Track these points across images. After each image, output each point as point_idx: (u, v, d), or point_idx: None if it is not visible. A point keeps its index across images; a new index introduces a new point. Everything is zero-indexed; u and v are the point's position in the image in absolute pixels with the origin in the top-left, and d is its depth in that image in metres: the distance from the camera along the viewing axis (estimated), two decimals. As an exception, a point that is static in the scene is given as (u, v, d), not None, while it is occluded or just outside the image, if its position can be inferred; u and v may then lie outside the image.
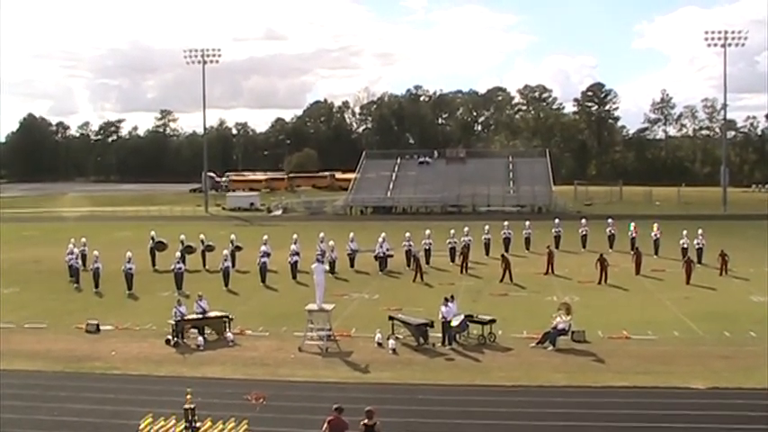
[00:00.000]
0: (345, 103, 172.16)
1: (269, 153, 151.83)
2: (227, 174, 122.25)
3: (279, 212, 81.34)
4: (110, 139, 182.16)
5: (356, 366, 22.78)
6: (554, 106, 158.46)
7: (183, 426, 15.04)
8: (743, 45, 79.22)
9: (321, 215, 77.92)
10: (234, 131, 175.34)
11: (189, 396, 14.98)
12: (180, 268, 36.02)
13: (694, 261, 37.34)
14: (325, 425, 14.48)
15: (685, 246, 40.72)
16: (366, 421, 14.33)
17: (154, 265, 41.62)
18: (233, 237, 43.36)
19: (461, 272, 38.78)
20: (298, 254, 38.72)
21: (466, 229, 43.05)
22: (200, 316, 26.41)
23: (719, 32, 78.83)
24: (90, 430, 17.77)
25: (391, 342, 24.54)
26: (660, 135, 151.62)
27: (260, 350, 24.67)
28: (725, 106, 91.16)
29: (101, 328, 27.48)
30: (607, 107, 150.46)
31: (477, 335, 25.29)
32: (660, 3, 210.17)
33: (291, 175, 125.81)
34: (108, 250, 40.82)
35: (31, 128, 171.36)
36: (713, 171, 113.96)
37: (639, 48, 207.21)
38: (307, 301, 26.19)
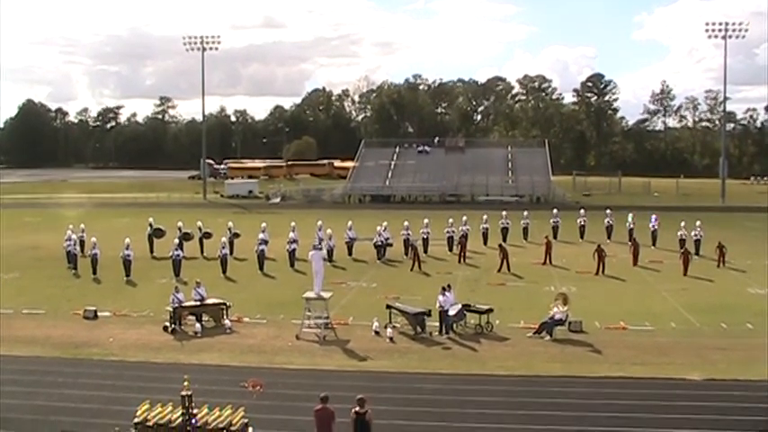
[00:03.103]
0: (345, 92, 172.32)
1: (268, 141, 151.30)
2: (226, 161, 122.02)
3: (277, 200, 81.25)
4: (108, 126, 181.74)
5: (353, 354, 22.83)
6: (553, 96, 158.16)
7: (179, 412, 15.05)
8: (743, 37, 78.98)
9: (319, 203, 77.79)
10: (233, 119, 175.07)
11: (186, 383, 14.98)
12: (178, 255, 36.00)
13: (692, 252, 37.41)
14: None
15: (683, 237, 40.76)
16: (357, 409, 14.37)
17: (152, 251, 41.61)
18: (231, 224, 43.29)
19: (459, 261, 38.81)
20: (296, 242, 38.73)
21: (464, 218, 43.02)
22: (198, 303, 26.45)
23: (720, 24, 78.62)
24: (87, 416, 17.81)
25: (389, 331, 24.59)
26: (659, 126, 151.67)
27: (257, 338, 24.71)
28: (725, 98, 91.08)
29: (99, 314, 27.53)
30: (606, 98, 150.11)
31: (475, 324, 25.33)
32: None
33: (290, 162, 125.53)
34: (106, 237, 40.81)
35: (30, 114, 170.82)
36: (712, 163, 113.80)
37: (639, 39, 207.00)
38: (304, 289, 26.19)
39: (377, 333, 24.76)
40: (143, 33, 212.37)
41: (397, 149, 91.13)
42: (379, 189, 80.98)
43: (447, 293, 25.37)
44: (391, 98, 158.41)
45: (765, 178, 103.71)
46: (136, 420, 15.17)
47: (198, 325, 25.48)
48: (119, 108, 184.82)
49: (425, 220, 42.30)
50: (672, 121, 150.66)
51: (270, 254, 38.55)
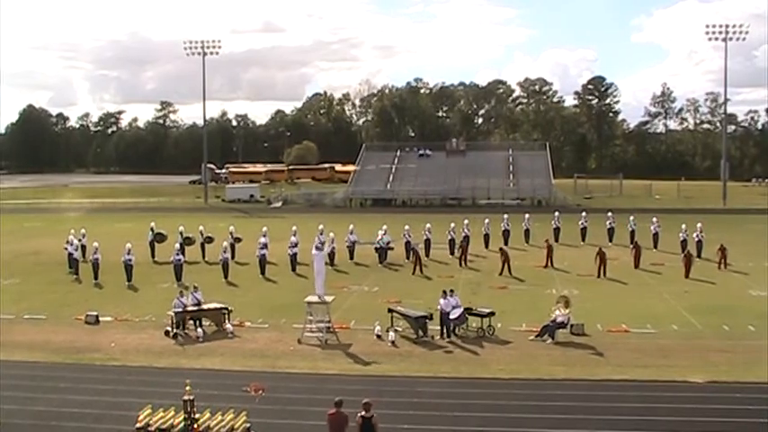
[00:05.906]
0: (345, 96, 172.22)
1: (269, 145, 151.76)
2: (227, 165, 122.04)
3: (278, 204, 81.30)
4: (109, 131, 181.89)
5: (355, 358, 22.81)
6: (554, 99, 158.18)
7: (182, 417, 15.06)
8: (744, 39, 79.05)
9: (321, 207, 77.83)
10: (234, 123, 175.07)
11: (188, 387, 14.99)
12: (179, 260, 36.02)
13: (694, 255, 37.37)
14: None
15: (685, 239, 40.72)
16: (363, 414, 14.34)
17: (153, 256, 41.61)
18: (232, 228, 43.34)
19: (461, 264, 38.78)
20: (297, 246, 38.72)
21: (465, 221, 43.07)
22: (197, 307, 26.41)
23: (720, 26, 78.66)
24: (89, 421, 17.80)
25: (390, 334, 24.58)
26: (660, 129, 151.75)
27: (259, 342, 24.71)
28: (725, 100, 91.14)
29: (100, 319, 27.51)
30: (607, 101, 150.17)
31: (477, 327, 25.30)
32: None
33: (291, 167, 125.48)
34: (107, 242, 40.82)
35: (31, 119, 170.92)
36: (713, 165, 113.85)
37: (639, 41, 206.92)
38: (306, 293, 26.17)
39: (379, 337, 24.75)
40: (143, 38, 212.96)
41: (399, 153, 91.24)
42: (381, 193, 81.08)
43: (449, 297, 25.34)
44: (392, 102, 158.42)
45: (766, 180, 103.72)
46: (138, 425, 15.19)
47: (200, 329, 25.46)
48: (120, 113, 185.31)
49: (427, 225, 42.28)
50: (673, 124, 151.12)
51: (271, 258, 38.50)
